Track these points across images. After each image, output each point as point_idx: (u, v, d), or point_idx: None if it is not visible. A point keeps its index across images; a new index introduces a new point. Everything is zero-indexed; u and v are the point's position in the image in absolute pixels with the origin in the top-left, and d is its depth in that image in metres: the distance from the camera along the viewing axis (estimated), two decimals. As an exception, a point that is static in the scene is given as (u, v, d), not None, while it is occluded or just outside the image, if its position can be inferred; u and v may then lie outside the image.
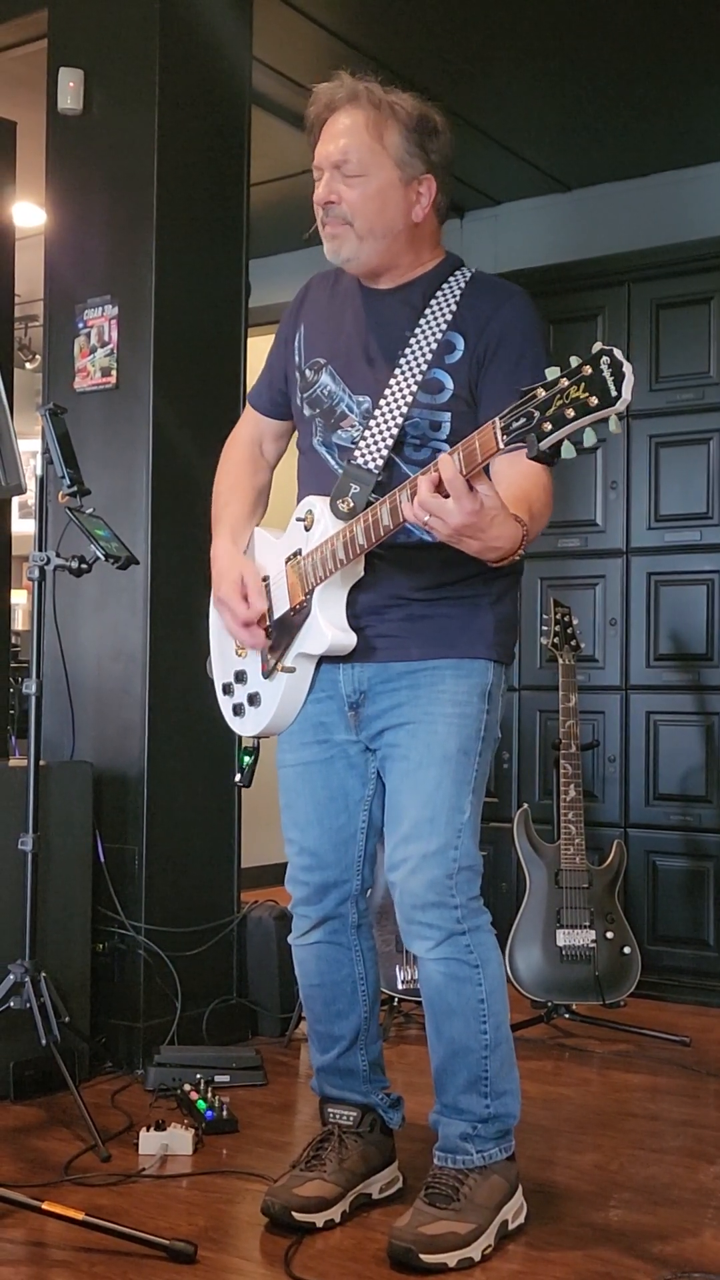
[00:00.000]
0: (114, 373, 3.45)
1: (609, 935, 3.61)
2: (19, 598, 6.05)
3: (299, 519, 2.39)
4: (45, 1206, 2.22)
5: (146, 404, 3.39)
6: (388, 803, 2.39)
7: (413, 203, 2.34)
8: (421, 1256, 2.17)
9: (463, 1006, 2.31)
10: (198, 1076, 3.02)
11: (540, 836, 3.71)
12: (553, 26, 3.86)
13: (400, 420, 2.30)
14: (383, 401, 2.33)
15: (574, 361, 1.84)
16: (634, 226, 4.74)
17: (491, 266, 4.92)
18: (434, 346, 2.32)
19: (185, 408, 3.48)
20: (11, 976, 2.85)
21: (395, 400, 2.31)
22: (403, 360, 2.32)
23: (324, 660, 2.37)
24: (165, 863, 3.39)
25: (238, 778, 2.53)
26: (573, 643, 3.72)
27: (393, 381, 2.32)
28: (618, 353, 1.83)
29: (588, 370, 1.83)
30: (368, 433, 2.33)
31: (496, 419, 1.94)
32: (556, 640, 3.71)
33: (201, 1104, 2.86)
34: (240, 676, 2.48)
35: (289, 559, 2.38)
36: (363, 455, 2.32)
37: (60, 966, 3.08)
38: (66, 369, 3.55)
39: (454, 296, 2.35)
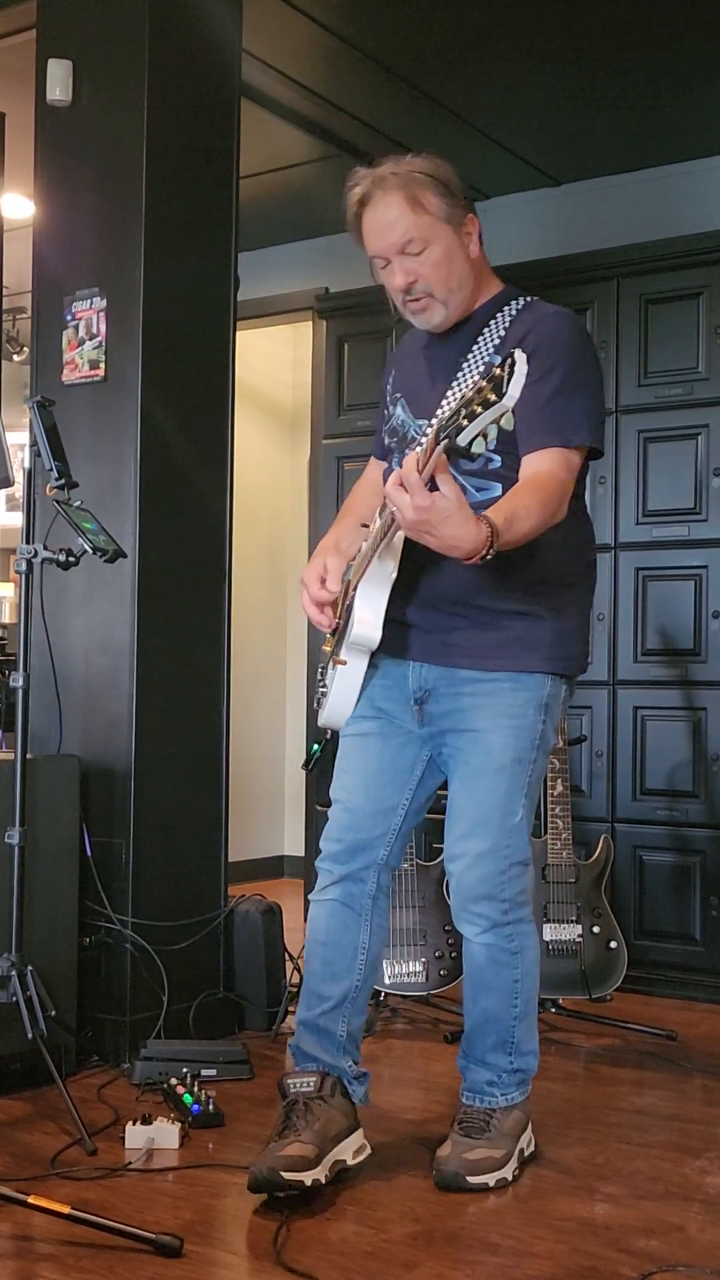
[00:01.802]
0: (102, 365, 3.44)
1: (595, 930, 3.62)
2: (6, 591, 6.05)
3: (364, 525, 2.65)
4: (31, 1200, 2.22)
5: (135, 397, 3.39)
6: (449, 801, 2.60)
7: (467, 245, 2.55)
8: (468, 1179, 2.48)
9: (499, 985, 2.59)
10: (184, 1070, 3.02)
11: (527, 831, 3.71)
12: (543, 21, 3.85)
13: None
14: (436, 418, 2.49)
15: (499, 360, 2.03)
16: (623, 221, 4.74)
17: (481, 261, 4.93)
18: (482, 368, 2.49)
19: (174, 401, 3.48)
20: (-2, 970, 2.85)
21: None
22: (455, 382, 2.54)
23: (390, 655, 2.57)
24: (152, 857, 3.39)
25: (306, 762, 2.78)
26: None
27: (444, 402, 2.52)
28: (518, 353, 2.02)
29: (497, 371, 2.02)
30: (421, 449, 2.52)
31: (437, 422, 2.13)
32: (544, 635, 3.71)
33: (188, 1098, 2.86)
34: (323, 671, 2.70)
35: (356, 562, 2.60)
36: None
37: (47, 960, 3.08)
38: (55, 361, 3.54)
39: (505, 322, 2.55)
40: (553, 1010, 3.64)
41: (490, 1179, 2.49)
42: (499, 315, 2.56)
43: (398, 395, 2.68)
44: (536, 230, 4.98)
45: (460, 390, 2.52)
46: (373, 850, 2.61)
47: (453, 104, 4.39)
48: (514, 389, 2.00)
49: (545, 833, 3.66)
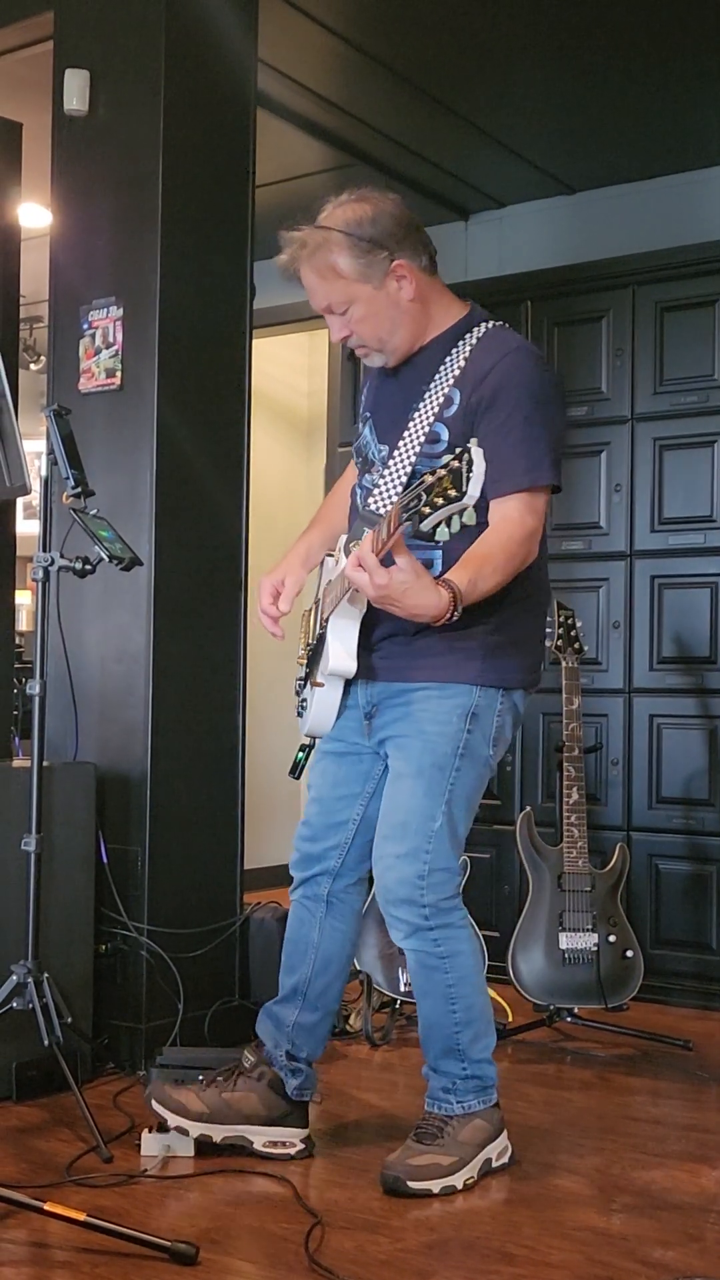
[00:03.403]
0: (118, 374, 3.45)
1: (611, 938, 3.61)
2: (23, 598, 6.06)
3: (330, 554, 2.77)
4: (47, 1207, 2.22)
5: (151, 405, 3.40)
6: (380, 806, 2.67)
7: (396, 291, 2.56)
8: (408, 1183, 2.49)
9: (432, 990, 2.62)
10: (200, 1078, 3.01)
11: (543, 839, 3.70)
12: (558, 29, 3.86)
13: (409, 469, 2.57)
14: (396, 452, 2.60)
15: (457, 452, 2.12)
16: (639, 229, 4.74)
17: (496, 269, 4.93)
18: (440, 401, 2.56)
19: (189, 409, 3.48)
20: (14, 977, 2.85)
21: (406, 451, 2.59)
22: (415, 414, 2.60)
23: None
24: (168, 864, 3.39)
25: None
26: (576, 645, 3.72)
27: (405, 434, 2.59)
28: (475, 450, 2.11)
29: (455, 464, 2.11)
30: (382, 480, 2.61)
31: (399, 498, 2.22)
32: (560, 643, 3.71)
33: (203, 1105, 2.85)
34: (300, 685, 2.81)
35: (326, 588, 2.73)
36: (376, 501, 2.60)
37: (63, 967, 3.09)
38: (71, 370, 3.55)
39: (464, 354, 2.58)
40: (568, 1019, 3.63)
41: (434, 1185, 2.50)
42: (460, 343, 2.59)
43: (367, 414, 2.74)
44: (552, 238, 4.99)
45: (422, 421, 2.57)
46: (325, 860, 2.75)
47: (468, 112, 4.39)
48: (473, 488, 2.09)
49: (561, 841, 3.65)
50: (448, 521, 2.16)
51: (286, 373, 6.45)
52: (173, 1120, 2.64)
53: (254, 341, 3.74)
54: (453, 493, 2.11)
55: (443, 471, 2.12)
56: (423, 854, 2.56)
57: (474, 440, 2.12)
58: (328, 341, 5.39)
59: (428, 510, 2.14)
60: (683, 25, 3.81)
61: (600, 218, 4.92)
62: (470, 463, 2.09)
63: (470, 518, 2.14)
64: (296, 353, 6.42)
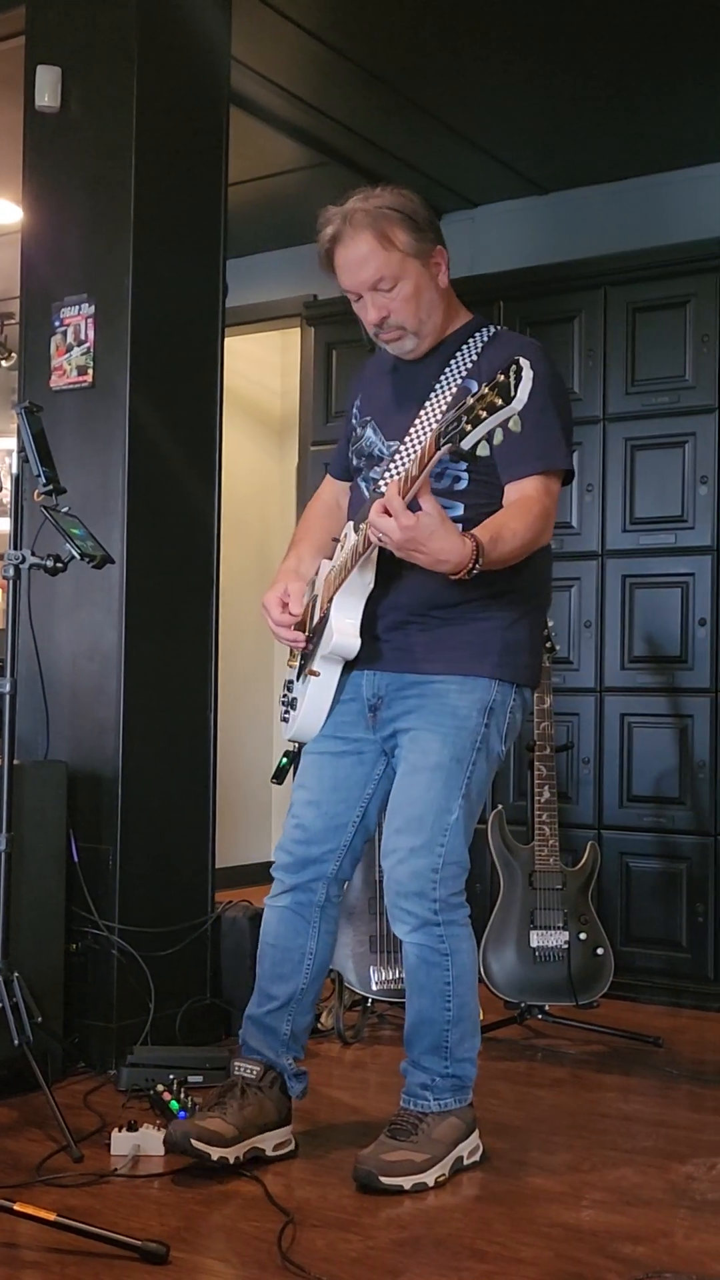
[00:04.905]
0: (90, 371, 3.44)
1: (582, 936, 3.62)
2: (-7, 596, 6.02)
3: (335, 539, 2.74)
4: (17, 1207, 2.22)
5: (123, 403, 3.39)
6: (391, 798, 2.66)
7: (435, 276, 2.63)
8: (380, 1179, 2.49)
9: (430, 986, 2.61)
10: (171, 1077, 3.01)
11: (514, 838, 3.72)
12: (531, 30, 3.87)
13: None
14: (407, 439, 2.62)
15: (499, 375, 2.13)
16: (611, 230, 4.76)
17: (468, 269, 4.94)
18: (453, 392, 2.58)
19: (162, 407, 3.48)
20: (-16, 976, 2.84)
21: (417, 438, 2.61)
22: (426, 404, 2.63)
23: (352, 667, 2.65)
24: (139, 863, 3.38)
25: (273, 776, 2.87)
26: (548, 644, 3.73)
27: (416, 423, 2.62)
28: (524, 361, 2.11)
29: (502, 378, 2.12)
30: (393, 466, 2.62)
31: (436, 426, 2.24)
32: (532, 642, 3.72)
33: (174, 1104, 2.84)
34: (289, 685, 2.80)
35: (329, 577, 2.70)
36: (387, 484, 2.58)
37: (33, 966, 3.07)
38: (43, 367, 3.54)
39: (476, 349, 2.63)
40: (539, 1017, 3.64)
41: (405, 1181, 2.50)
42: (470, 342, 2.65)
43: (366, 418, 2.75)
44: (524, 239, 5.00)
45: (434, 412, 2.61)
46: (323, 864, 2.71)
47: (441, 112, 4.40)
48: (522, 393, 2.09)
49: (532, 839, 3.66)
50: (489, 436, 2.14)
51: (259, 371, 6.44)
52: (215, 1154, 2.52)
53: (226, 340, 3.74)
54: (498, 402, 2.10)
55: (485, 389, 2.12)
56: (437, 847, 2.56)
57: (521, 357, 2.12)
58: (300, 341, 5.39)
59: (469, 428, 2.13)
60: (658, 26, 3.83)
61: (573, 218, 4.93)
62: (519, 372, 2.09)
63: (516, 425, 2.12)
64: (269, 351, 6.41)
